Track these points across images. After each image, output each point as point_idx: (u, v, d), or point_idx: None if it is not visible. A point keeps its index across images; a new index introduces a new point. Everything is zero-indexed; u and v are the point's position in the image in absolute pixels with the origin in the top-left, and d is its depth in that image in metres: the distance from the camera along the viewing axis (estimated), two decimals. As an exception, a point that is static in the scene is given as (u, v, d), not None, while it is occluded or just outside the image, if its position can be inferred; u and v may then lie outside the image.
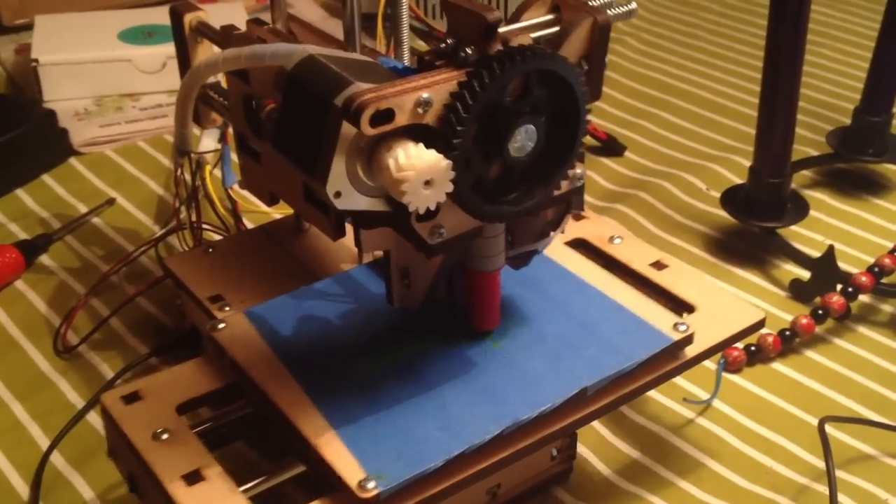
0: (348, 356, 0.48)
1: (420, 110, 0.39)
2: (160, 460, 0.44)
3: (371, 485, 0.41)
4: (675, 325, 0.50)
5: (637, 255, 0.58)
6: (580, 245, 0.59)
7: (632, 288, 0.54)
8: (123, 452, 0.47)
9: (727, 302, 0.54)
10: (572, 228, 0.60)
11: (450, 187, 0.39)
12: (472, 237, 0.45)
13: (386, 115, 0.39)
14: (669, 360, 0.50)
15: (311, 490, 0.44)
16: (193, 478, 0.43)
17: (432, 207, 0.40)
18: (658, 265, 0.57)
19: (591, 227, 0.60)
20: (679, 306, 0.54)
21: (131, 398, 0.47)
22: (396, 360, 0.48)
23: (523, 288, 0.52)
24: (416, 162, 0.38)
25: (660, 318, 0.51)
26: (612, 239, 0.59)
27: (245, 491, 0.44)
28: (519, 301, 0.52)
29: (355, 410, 0.45)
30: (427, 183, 0.39)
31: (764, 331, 0.61)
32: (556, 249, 0.56)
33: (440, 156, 0.39)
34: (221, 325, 0.50)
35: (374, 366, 0.48)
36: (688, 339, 0.50)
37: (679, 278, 0.56)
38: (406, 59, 0.52)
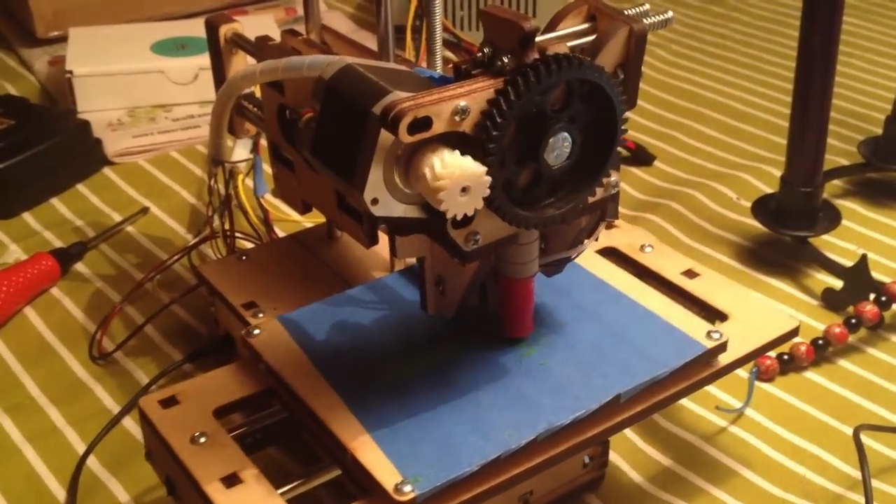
0: (382, 362, 0.48)
1: (457, 118, 0.40)
2: (198, 463, 0.44)
3: (408, 488, 0.41)
4: (709, 333, 0.50)
5: (668, 264, 0.58)
6: (611, 253, 0.59)
7: (664, 296, 0.54)
8: (161, 456, 0.47)
9: (760, 310, 0.54)
10: (603, 237, 0.59)
11: (486, 194, 0.40)
12: (507, 244, 0.45)
13: (423, 123, 0.39)
14: (703, 367, 0.50)
15: (342, 495, 0.44)
16: (231, 480, 0.43)
17: (469, 214, 0.40)
18: (689, 273, 0.57)
19: (622, 235, 0.60)
20: (712, 314, 0.54)
21: (169, 402, 0.48)
22: (430, 365, 0.48)
23: (555, 295, 0.53)
24: (453, 169, 0.39)
25: (693, 326, 0.51)
26: (643, 248, 0.59)
27: (282, 494, 0.44)
28: (551, 309, 0.52)
29: (390, 415, 0.45)
30: (464, 190, 0.39)
31: (797, 340, 0.60)
32: (588, 258, 0.56)
33: (477, 163, 0.39)
34: (256, 332, 0.51)
35: (407, 371, 0.48)
36: (721, 347, 0.50)
37: (711, 287, 0.56)
38: (439, 68, 0.52)
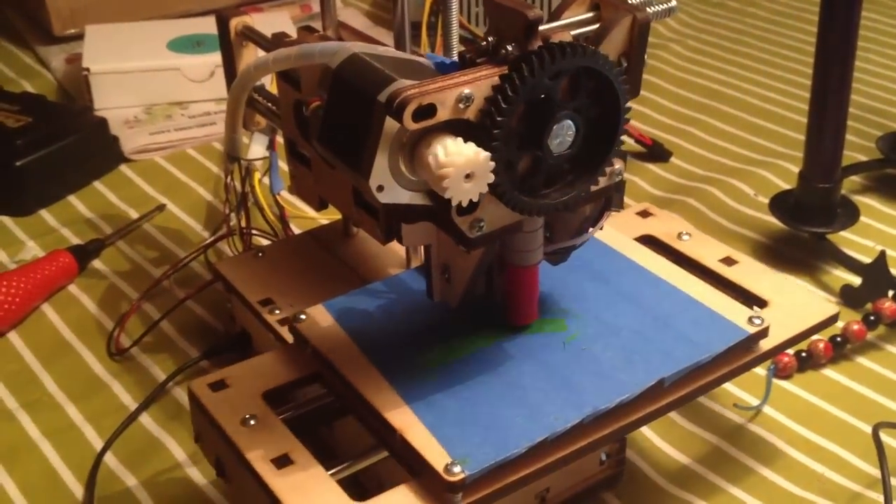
0: (426, 347, 0.49)
1: (461, 106, 0.40)
2: (249, 445, 0.45)
3: (457, 469, 0.42)
4: (750, 319, 0.50)
5: (706, 252, 0.58)
6: (649, 241, 0.59)
7: (703, 282, 0.54)
8: (211, 438, 0.48)
9: (800, 297, 0.55)
10: (640, 225, 0.60)
11: (490, 180, 0.40)
12: (512, 231, 0.45)
13: (428, 111, 0.40)
14: (745, 353, 0.50)
15: (359, 492, 0.44)
16: (283, 462, 0.44)
17: (473, 200, 0.41)
18: (728, 261, 0.57)
19: (660, 223, 0.61)
20: (751, 301, 0.54)
21: (218, 385, 0.49)
22: (474, 350, 0.49)
23: (597, 282, 0.53)
24: (456, 156, 0.39)
25: (734, 312, 0.51)
26: (680, 235, 0.59)
27: (332, 475, 0.45)
28: (592, 294, 0.52)
29: (437, 397, 0.46)
30: (468, 176, 0.40)
31: (815, 337, 0.60)
32: (627, 245, 0.57)
33: (480, 150, 0.40)
34: (303, 317, 0.51)
35: (452, 356, 0.48)
36: (763, 333, 0.50)
37: (750, 274, 0.56)
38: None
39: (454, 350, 0.49)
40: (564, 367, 0.48)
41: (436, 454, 0.43)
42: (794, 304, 0.54)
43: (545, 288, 0.51)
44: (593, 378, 0.47)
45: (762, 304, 0.54)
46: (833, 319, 0.54)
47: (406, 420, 0.45)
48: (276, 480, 0.43)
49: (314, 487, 0.43)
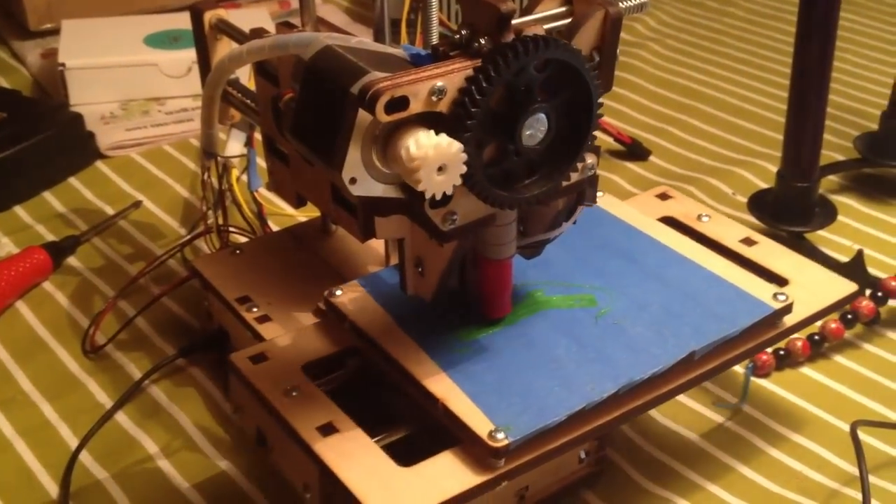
0: (462, 322, 0.50)
1: (434, 98, 0.41)
2: (295, 414, 0.46)
3: (501, 435, 0.43)
4: (775, 295, 0.52)
5: (726, 232, 0.59)
6: (669, 223, 0.60)
7: (726, 261, 0.55)
8: (253, 409, 0.48)
9: (819, 275, 0.56)
10: (660, 207, 0.62)
11: (462, 173, 0.40)
12: (485, 224, 0.46)
13: (401, 103, 0.40)
14: (769, 328, 0.52)
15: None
16: (328, 430, 0.45)
17: (446, 193, 0.41)
18: (748, 241, 0.59)
19: (678, 205, 0.62)
20: (772, 279, 0.55)
21: (259, 358, 0.49)
22: (508, 324, 0.50)
23: (623, 260, 0.54)
24: (429, 148, 0.39)
25: (758, 289, 0.53)
26: (700, 217, 0.60)
27: (377, 441, 0.45)
28: (620, 272, 0.54)
29: (475, 368, 0.47)
30: (440, 169, 0.40)
31: (793, 336, 0.60)
32: (650, 225, 0.58)
33: (453, 142, 0.40)
34: (339, 292, 0.52)
35: (486, 329, 0.49)
36: (787, 309, 0.52)
37: (770, 253, 0.58)
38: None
39: (490, 325, 0.50)
40: (597, 340, 0.49)
41: (478, 421, 0.44)
42: (815, 282, 0.55)
43: (576, 265, 0.53)
44: (626, 351, 0.48)
45: (783, 282, 0.55)
46: (853, 296, 0.55)
47: (448, 390, 0.46)
48: (324, 448, 0.44)
49: (360, 453, 0.44)
